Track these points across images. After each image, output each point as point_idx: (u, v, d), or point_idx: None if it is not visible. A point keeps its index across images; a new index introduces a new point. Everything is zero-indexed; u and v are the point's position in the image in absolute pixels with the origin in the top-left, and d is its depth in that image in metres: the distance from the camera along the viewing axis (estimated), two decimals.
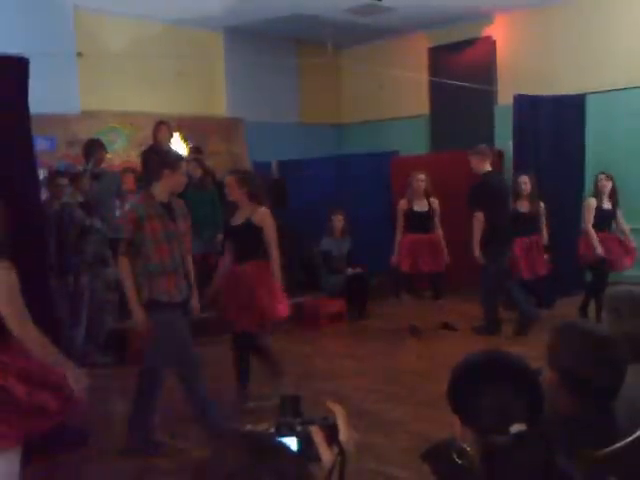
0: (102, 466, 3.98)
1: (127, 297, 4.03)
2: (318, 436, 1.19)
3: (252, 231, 4.68)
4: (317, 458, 1.17)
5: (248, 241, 4.73)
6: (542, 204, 6.90)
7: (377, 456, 3.77)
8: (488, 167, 6.70)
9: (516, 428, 1.46)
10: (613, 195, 6.88)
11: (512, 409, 1.50)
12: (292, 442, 1.16)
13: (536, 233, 6.90)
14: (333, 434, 1.21)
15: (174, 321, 4.02)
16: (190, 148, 8.09)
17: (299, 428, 1.18)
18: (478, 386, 1.55)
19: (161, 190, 4.03)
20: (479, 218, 6.48)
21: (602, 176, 6.91)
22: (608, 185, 6.83)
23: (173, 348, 4.01)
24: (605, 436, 1.71)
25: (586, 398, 1.77)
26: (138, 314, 3.97)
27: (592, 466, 1.61)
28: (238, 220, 4.78)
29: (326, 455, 1.18)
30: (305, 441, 1.17)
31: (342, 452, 1.20)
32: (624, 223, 6.98)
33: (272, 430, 1.20)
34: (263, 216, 4.72)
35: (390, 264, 6.89)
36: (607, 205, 6.85)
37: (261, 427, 1.22)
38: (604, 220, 6.84)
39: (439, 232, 6.85)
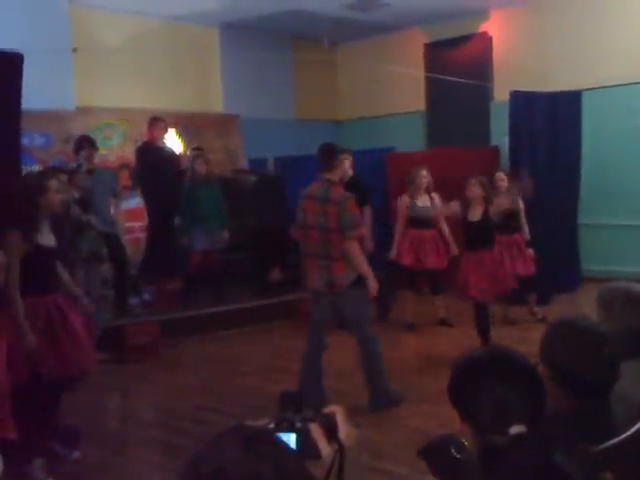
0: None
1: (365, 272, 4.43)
2: (318, 433, 1.18)
3: None
4: (316, 455, 1.17)
5: None
6: (520, 200, 6.62)
7: (373, 452, 3.77)
8: None
9: (516, 429, 1.44)
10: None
11: (513, 408, 1.48)
12: (292, 438, 1.16)
13: (516, 231, 6.64)
14: (332, 431, 1.21)
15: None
16: (192, 147, 8.10)
17: (299, 424, 1.18)
18: (479, 383, 1.53)
19: (338, 177, 4.61)
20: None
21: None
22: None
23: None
24: (601, 432, 1.71)
25: (577, 394, 1.77)
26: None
27: (589, 462, 1.61)
28: None
29: (326, 451, 1.18)
30: (304, 437, 1.17)
31: (341, 449, 1.20)
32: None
33: (272, 426, 1.19)
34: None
35: (388, 258, 6.74)
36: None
37: (261, 422, 1.21)
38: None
39: (444, 227, 6.77)
